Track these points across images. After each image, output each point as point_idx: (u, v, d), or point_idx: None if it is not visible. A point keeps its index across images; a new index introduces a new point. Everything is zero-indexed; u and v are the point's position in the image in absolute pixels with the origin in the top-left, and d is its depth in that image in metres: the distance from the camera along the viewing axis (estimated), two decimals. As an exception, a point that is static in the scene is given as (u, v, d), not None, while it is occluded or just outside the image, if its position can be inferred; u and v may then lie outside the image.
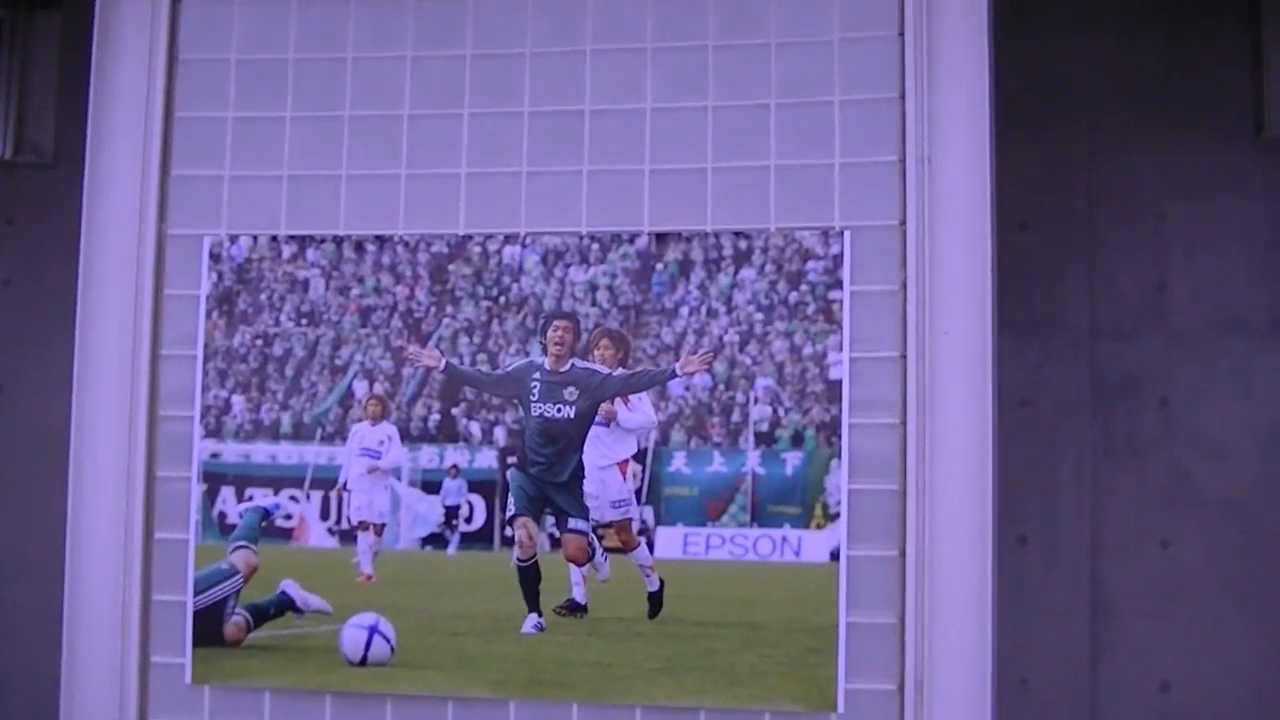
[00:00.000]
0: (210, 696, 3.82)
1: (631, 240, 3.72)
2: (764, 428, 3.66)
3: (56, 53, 5.64)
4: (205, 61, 3.96)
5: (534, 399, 3.74)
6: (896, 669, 3.57)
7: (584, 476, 3.73)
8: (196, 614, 3.83)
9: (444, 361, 3.77)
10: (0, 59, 5.67)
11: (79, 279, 3.93)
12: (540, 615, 3.73)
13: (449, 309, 3.78)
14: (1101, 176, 5.07)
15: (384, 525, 3.81)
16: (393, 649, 3.75)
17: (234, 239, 3.89)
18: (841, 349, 3.63)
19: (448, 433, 3.77)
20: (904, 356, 3.61)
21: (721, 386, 3.67)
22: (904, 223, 3.63)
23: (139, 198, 3.92)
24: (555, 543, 3.75)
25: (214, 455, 3.85)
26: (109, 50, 3.98)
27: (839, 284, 3.64)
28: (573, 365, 3.73)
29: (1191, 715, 4.93)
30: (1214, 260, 5.02)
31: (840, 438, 3.61)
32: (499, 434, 3.76)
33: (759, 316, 3.67)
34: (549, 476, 3.75)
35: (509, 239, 3.77)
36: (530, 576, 3.74)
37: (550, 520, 3.76)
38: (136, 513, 3.85)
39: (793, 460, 3.65)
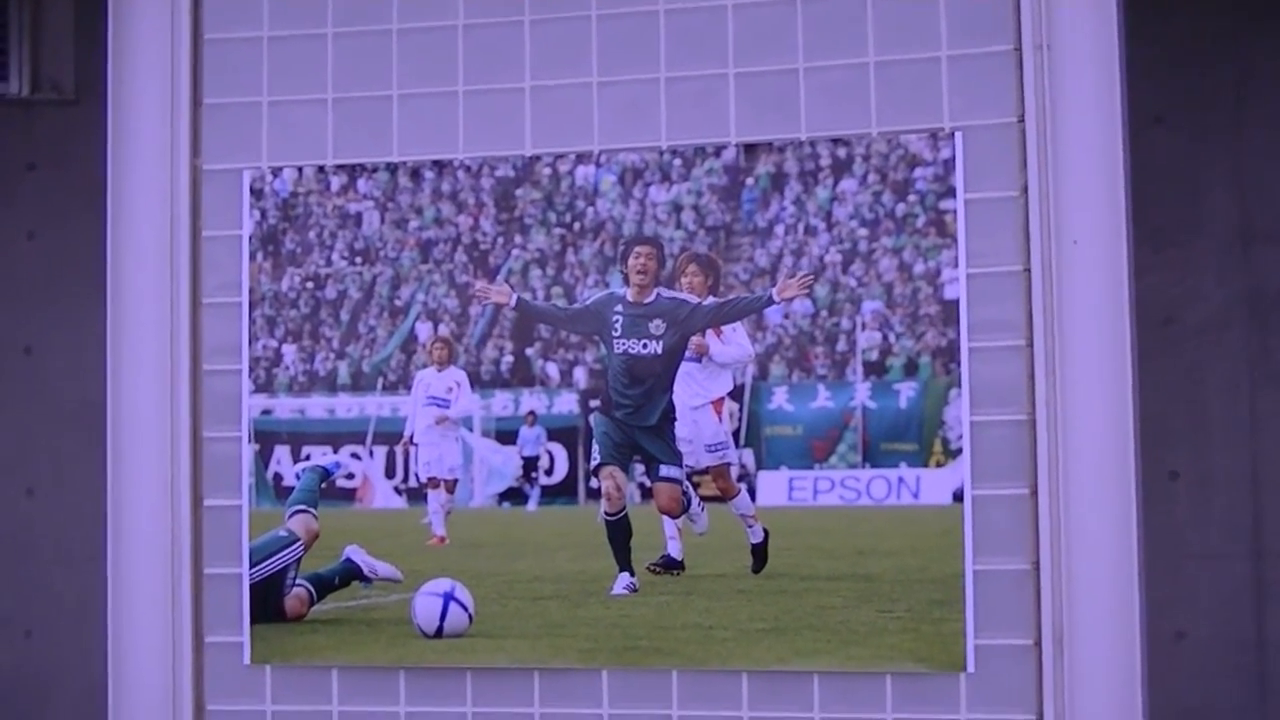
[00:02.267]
0: (271, 677, 3.88)
1: (717, 153, 3.74)
2: (873, 356, 3.68)
3: (73, -22, 5.70)
4: (236, -24, 4.00)
5: (616, 335, 3.77)
6: (1032, 622, 3.58)
7: (675, 419, 3.76)
8: (253, 587, 3.88)
9: (515, 297, 3.80)
10: (13, -10, 5.74)
11: (107, 225, 3.97)
12: (632, 574, 3.77)
13: (518, 239, 3.81)
14: (1250, 57, 5.02)
15: (456, 481, 3.86)
16: (471, 618, 3.80)
17: (276, 172, 3.93)
18: (957, 265, 3.64)
19: (522, 376, 3.80)
20: (1028, 270, 3.61)
21: (824, 312, 3.69)
22: (1022, 120, 3.63)
23: (169, 131, 3.96)
24: (646, 493, 3.78)
25: (265, 412, 3.91)
26: (129, -32, 4.03)
27: (951, 192, 3.64)
28: (658, 295, 3.76)
29: (1372, 665, 4.92)
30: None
31: (959, 364, 3.62)
32: (579, 375, 3.79)
33: (863, 232, 3.68)
34: (636, 420, 3.78)
35: (581, 158, 3.80)
36: (620, 532, 3.77)
37: (639, 469, 3.79)
38: (183, 479, 3.90)
39: (907, 391, 3.67)
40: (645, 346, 3.75)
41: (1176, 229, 5.01)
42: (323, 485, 3.89)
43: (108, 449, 3.95)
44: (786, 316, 3.69)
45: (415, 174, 3.86)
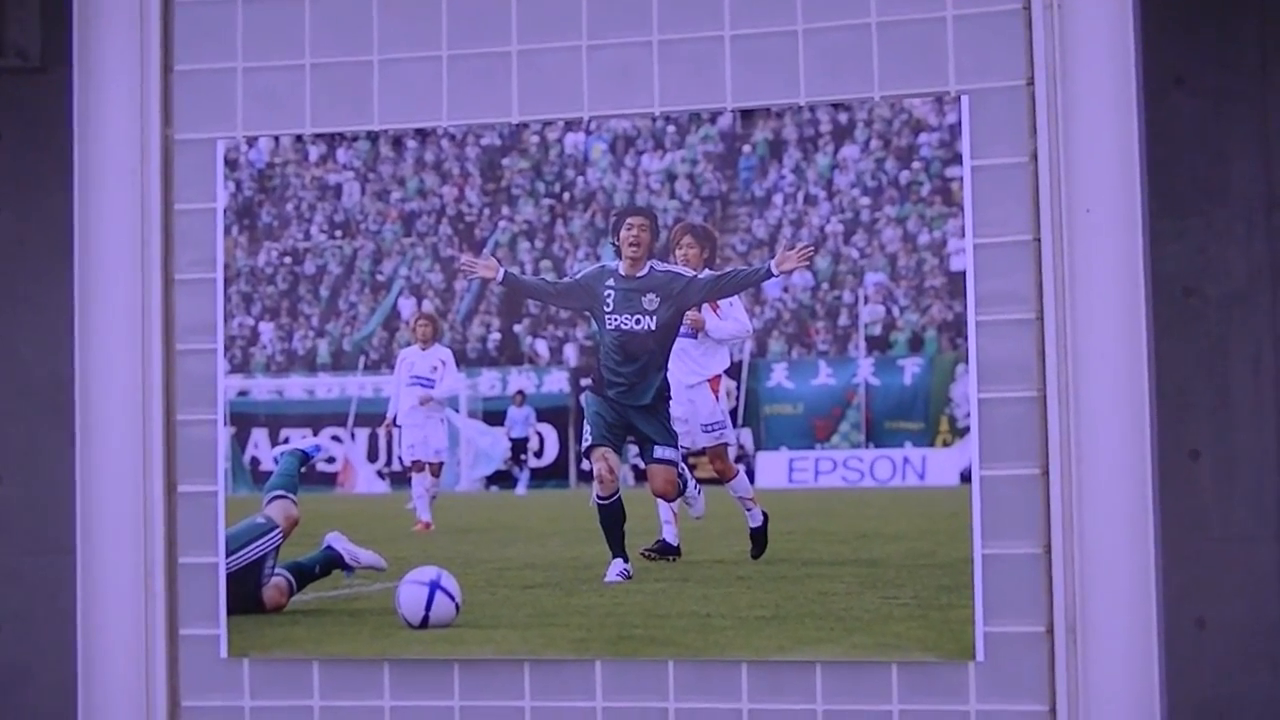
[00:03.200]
0: (249, 671, 3.90)
1: (713, 119, 3.76)
2: (877, 331, 3.69)
3: (37, -62, 5.72)
4: (207, -64, 4.01)
5: (608, 310, 3.78)
6: (1044, 609, 3.61)
7: (670, 397, 3.77)
8: (230, 576, 3.89)
9: (502, 271, 3.81)
10: (-27, -51, 5.76)
11: (75, 197, 3.98)
12: (627, 561, 3.78)
13: (505, 210, 3.82)
14: (1274, 14, 5.03)
15: (441, 464, 3.87)
16: (458, 607, 3.82)
17: (252, 141, 3.95)
18: (964, 235, 3.64)
19: (510, 354, 3.82)
20: (1038, 240, 3.63)
21: (825, 285, 3.71)
22: (1031, 82, 3.65)
23: (139, 99, 3.98)
24: (640, 475, 3.80)
25: (242, 393, 3.92)
26: (95, -71, 4.04)
27: (958, 158, 3.65)
28: (651, 269, 3.77)
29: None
30: None
31: (966, 339, 3.62)
32: (569, 353, 3.81)
33: (865, 201, 3.70)
34: (630, 399, 3.79)
35: (571, 125, 3.82)
36: (613, 516, 3.79)
37: (633, 450, 3.80)
38: (155, 464, 3.92)
39: (912, 367, 3.68)
40: (638, 322, 3.76)
41: (1198, 196, 5.01)
42: (302, 469, 3.89)
43: (76, 433, 3.96)
44: (786, 290, 3.71)
45: (397, 143, 3.88)
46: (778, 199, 3.69)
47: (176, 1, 3.99)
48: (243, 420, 3.91)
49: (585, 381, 3.77)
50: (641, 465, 3.77)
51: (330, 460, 3.86)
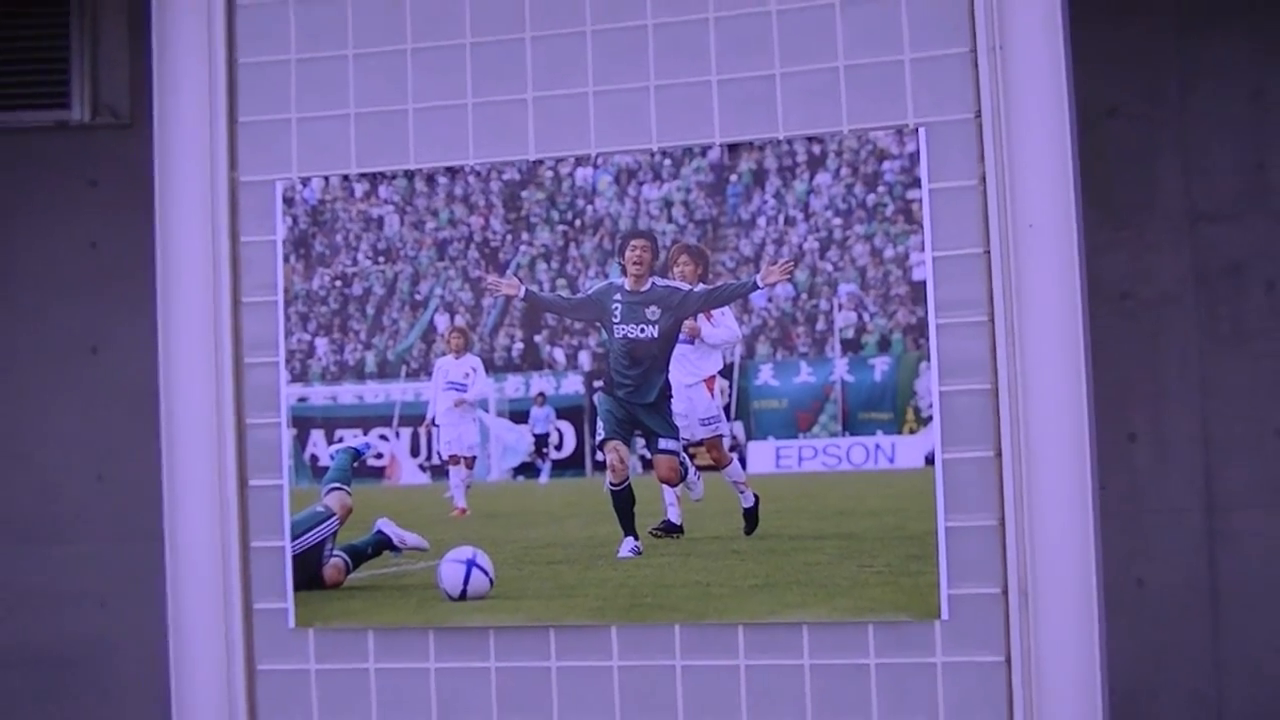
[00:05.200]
0: (314, 639, 3.88)
1: (703, 153, 3.73)
2: (850, 334, 3.66)
3: (125, 11, 5.71)
4: (263, 6, 3.98)
5: (616, 321, 3.76)
6: (999, 573, 3.56)
7: (671, 396, 3.75)
8: (295, 558, 3.88)
9: (523, 289, 3.79)
10: (73, 26, 5.75)
11: (156, 233, 3.97)
12: (636, 538, 3.76)
13: (525, 235, 3.80)
14: (1191, 54, 5.00)
15: (474, 458, 3.85)
16: (491, 581, 3.79)
17: (305, 181, 3.92)
18: (924, 249, 3.62)
19: (532, 361, 3.79)
20: (988, 253, 3.59)
21: (804, 295, 3.67)
22: (979, 115, 3.61)
23: (209, 148, 3.95)
24: (647, 464, 3.77)
25: (301, 399, 3.90)
26: (168, 3, 4.01)
27: (917, 182, 3.63)
28: (653, 284, 3.74)
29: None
30: (1315, 135, 4.96)
31: (928, 340, 3.61)
32: (583, 358, 3.78)
33: (837, 221, 3.67)
34: (636, 398, 3.77)
35: (580, 161, 3.79)
36: (624, 500, 3.77)
37: (640, 442, 3.78)
38: (229, 461, 3.90)
39: (881, 365, 3.65)
40: (643, 331, 3.74)
41: (1130, 211, 4.99)
42: (354, 464, 3.88)
43: (161, 435, 3.95)
44: (770, 300, 3.67)
45: (430, 179, 3.85)
46: (761, 221, 3.66)
47: (240, 63, 3.97)
48: (302, 423, 3.88)
49: (597, 383, 3.73)
50: (648, 455, 3.74)
51: (378, 456, 3.83)
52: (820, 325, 3.68)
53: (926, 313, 3.61)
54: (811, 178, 3.68)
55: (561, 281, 3.78)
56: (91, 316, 5.70)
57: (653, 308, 3.74)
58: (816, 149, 3.68)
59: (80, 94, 5.75)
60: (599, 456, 3.78)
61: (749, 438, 3.72)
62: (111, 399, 5.55)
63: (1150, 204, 5.02)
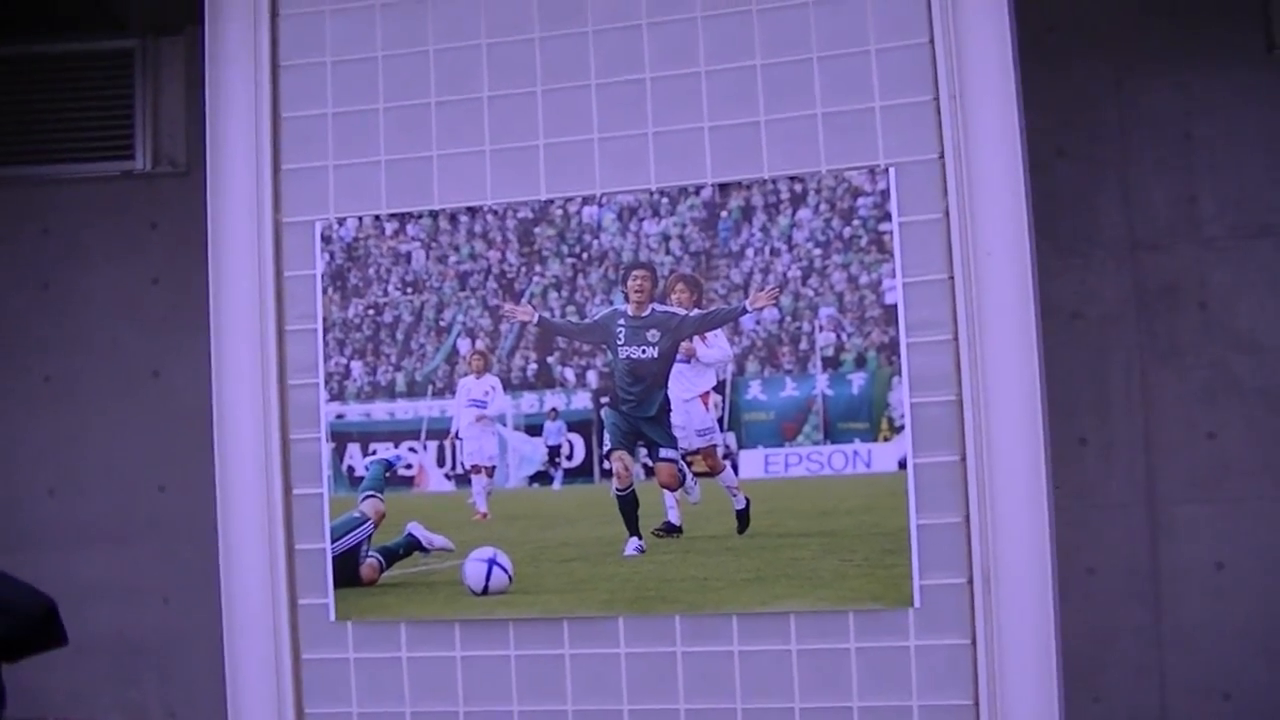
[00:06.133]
0: (353, 631, 3.84)
1: (697, 192, 3.69)
2: (830, 353, 3.62)
3: (182, 73, 5.68)
4: (304, 66, 3.95)
5: (620, 343, 3.72)
6: (965, 564, 3.53)
7: (670, 409, 3.70)
8: (335, 559, 3.85)
9: (536, 315, 3.76)
10: (135, 83, 5.73)
11: (210, 269, 3.94)
12: (640, 538, 3.71)
13: (538, 267, 3.76)
14: (1129, 102, 4.99)
15: (494, 467, 3.81)
16: (510, 578, 3.75)
17: (342, 221, 3.89)
18: (895, 275, 3.58)
19: (545, 379, 3.75)
20: (952, 279, 3.56)
21: (789, 318, 3.63)
22: (942, 156, 3.58)
23: (256, 192, 3.92)
24: (649, 471, 3.72)
25: (339, 416, 3.86)
26: (220, 64, 3.99)
27: (888, 216, 3.59)
28: (653, 310, 3.70)
29: (1245, 589, 4.87)
30: (1239, 171, 4.93)
31: (899, 357, 3.57)
32: (591, 377, 3.74)
33: (818, 252, 3.62)
34: (639, 412, 3.72)
35: (587, 200, 3.75)
36: (629, 504, 3.72)
37: (643, 451, 3.73)
38: (276, 473, 3.87)
39: (858, 380, 3.61)
40: (644, 351, 3.69)
41: (1078, 240, 4.96)
42: (387, 474, 3.84)
43: (216, 450, 3.92)
44: (758, 323, 3.63)
45: (453, 218, 3.82)
46: (749, 252, 3.63)
47: (283, 116, 3.94)
48: (340, 437, 3.85)
49: (604, 399, 3.69)
50: (650, 463, 3.69)
51: (408, 467, 3.80)
52: (803, 345, 3.63)
53: (898, 332, 3.58)
54: (794, 213, 3.64)
55: (571, 308, 3.74)
56: (154, 345, 5.66)
57: (653, 331, 3.70)
58: (798, 187, 3.64)
59: (142, 145, 5.72)
60: (606, 465, 3.74)
61: (740, 446, 3.68)
62: (171, 418, 5.51)
63: (1095, 234, 4.99)
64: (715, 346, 3.68)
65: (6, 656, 1.98)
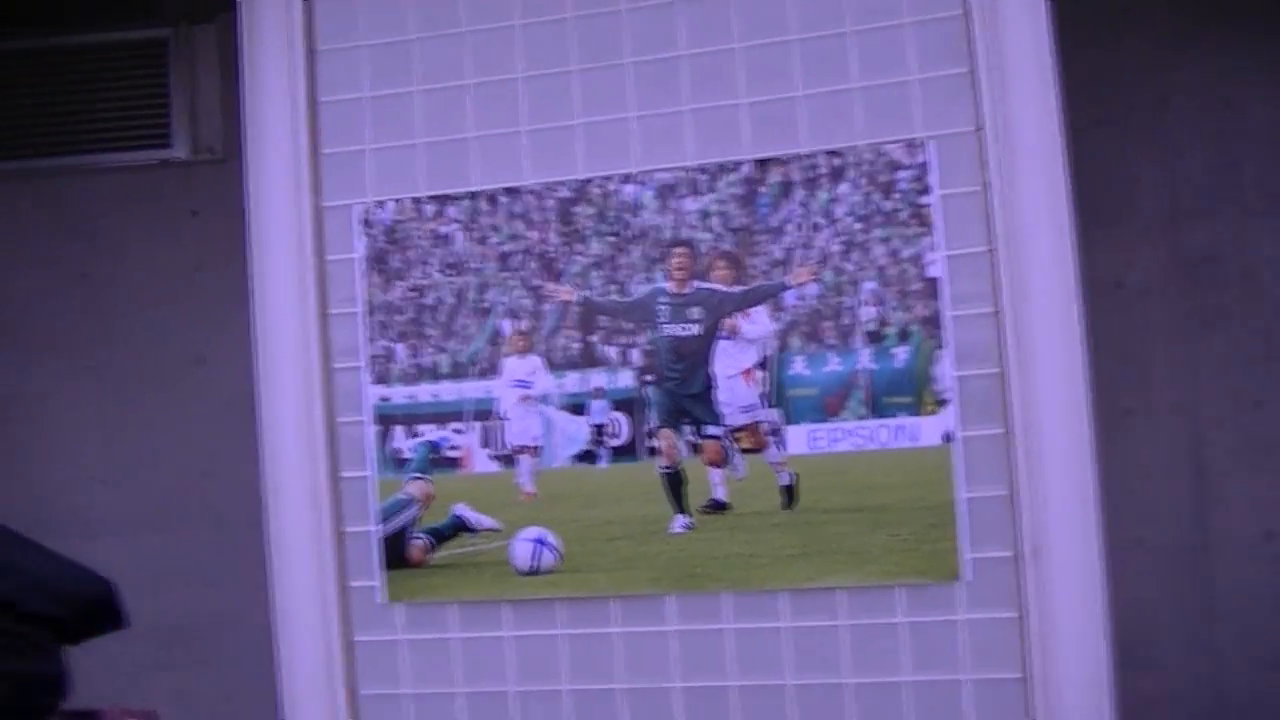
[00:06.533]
0: (402, 612, 3.87)
1: (736, 168, 3.69)
2: (872, 327, 3.62)
3: (216, 61, 5.69)
4: (339, 51, 3.96)
5: (662, 321, 3.72)
6: (1013, 537, 3.53)
7: (714, 386, 3.71)
8: (383, 541, 3.87)
9: (578, 295, 3.76)
10: (170, 71, 5.74)
11: (251, 255, 3.96)
12: (687, 515, 3.72)
13: (578, 247, 3.77)
14: (1167, 69, 4.96)
15: (539, 447, 3.82)
16: (558, 557, 3.77)
17: (381, 204, 3.90)
18: (935, 249, 3.57)
19: (588, 358, 3.76)
20: (993, 251, 3.55)
21: (830, 293, 3.63)
22: (980, 129, 3.57)
23: (295, 177, 3.93)
24: (694, 449, 3.73)
25: (384, 399, 3.88)
26: (256, 51, 4.00)
27: (927, 190, 3.58)
28: (694, 287, 3.71)
29: (1295, 558, 4.86)
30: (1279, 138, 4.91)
31: (942, 330, 3.56)
32: (634, 355, 3.74)
33: (858, 226, 3.62)
34: (683, 389, 3.73)
35: (625, 179, 3.76)
36: (675, 482, 3.73)
37: (688, 429, 3.73)
38: (321, 456, 3.88)
39: (901, 354, 3.61)
40: (686, 329, 3.70)
41: (1119, 210, 4.94)
42: (433, 456, 3.86)
43: (261, 434, 3.94)
44: (800, 298, 3.63)
45: (492, 199, 3.82)
46: (789, 228, 3.63)
47: (320, 101, 3.95)
48: (385, 420, 3.87)
49: (648, 377, 3.69)
50: (695, 441, 3.68)
51: (454, 448, 3.81)
52: (846, 320, 3.63)
53: (940, 306, 3.57)
54: (833, 188, 3.63)
55: (613, 287, 3.75)
56: (196, 332, 5.68)
57: (695, 308, 3.70)
58: (837, 162, 3.64)
59: (180, 132, 5.74)
60: (651, 443, 3.74)
61: (786, 422, 3.68)
62: (214, 404, 5.53)
63: (1135, 203, 4.96)
64: (757, 322, 3.68)
65: (68, 640, 2.01)
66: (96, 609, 2.08)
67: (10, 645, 1.91)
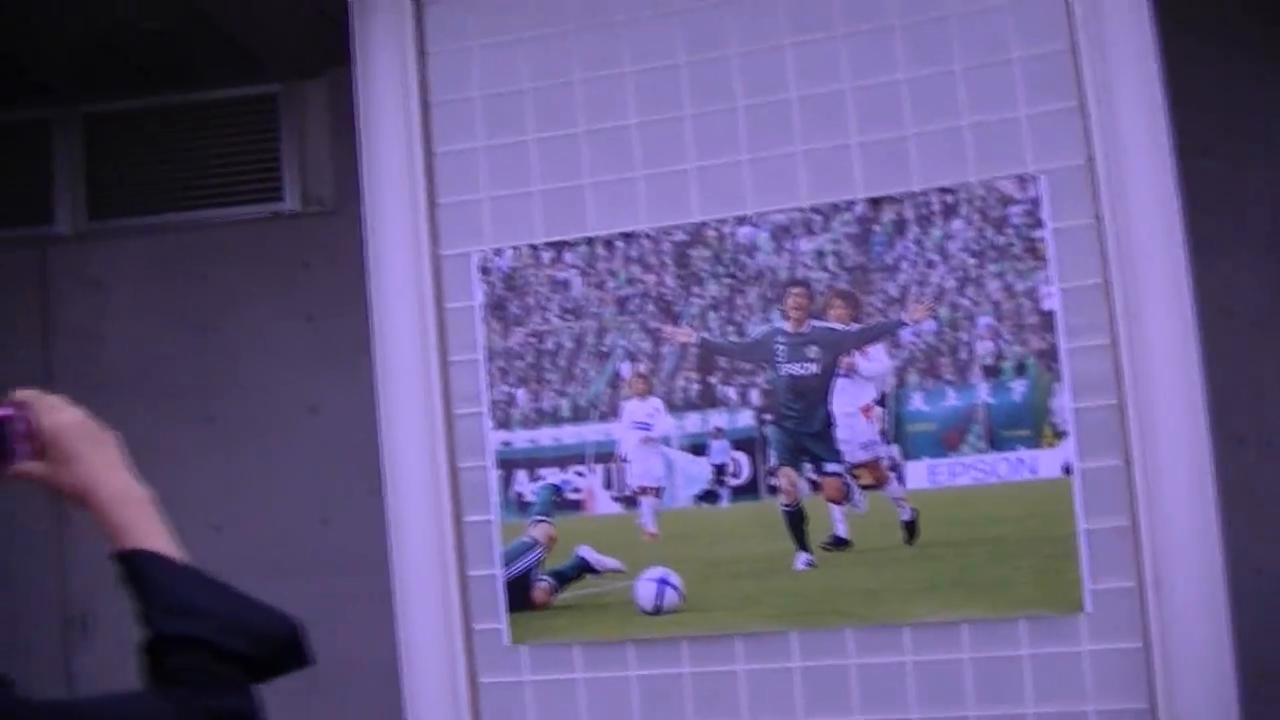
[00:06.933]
0: (528, 654, 3.90)
1: (849, 207, 3.72)
2: (989, 361, 3.64)
3: (326, 115, 5.80)
4: (454, 102, 4.03)
5: (780, 360, 3.76)
6: (1135, 567, 3.52)
7: (834, 424, 3.73)
8: (508, 583, 3.91)
9: (696, 336, 3.81)
10: (281, 126, 5.85)
11: (372, 304, 4.02)
12: (809, 552, 3.74)
13: (695, 289, 3.81)
14: (1272, 96, 4.95)
15: (661, 488, 3.85)
16: (681, 596, 3.80)
17: (499, 252, 3.96)
18: (1050, 282, 3.59)
19: (708, 399, 3.80)
20: (1107, 282, 3.56)
21: (946, 328, 3.66)
22: (1091, 161, 3.58)
23: (414, 227, 4.00)
24: (815, 486, 3.75)
25: (505, 443, 3.93)
26: (372, 104, 4.07)
27: (1040, 223, 3.61)
28: (811, 326, 3.74)
29: None
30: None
31: (1059, 362, 3.58)
32: (753, 395, 3.78)
33: (972, 261, 3.65)
34: (802, 428, 3.76)
35: (740, 220, 3.80)
36: (796, 519, 3.76)
37: (808, 467, 3.76)
38: (445, 501, 3.93)
39: (1019, 388, 3.62)
40: (804, 368, 3.73)
41: (1227, 240, 4.93)
42: (555, 499, 3.90)
43: (385, 481, 3.99)
44: (916, 335, 3.66)
45: (609, 244, 3.88)
46: (904, 265, 3.66)
47: (436, 152, 4.02)
48: (507, 464, 3.92)
49: (767, 417, 3.73)
50: (815, 478, 3.71)
51: (576, 490, 3.86)
52: (962, 354, 3.66)
53: (1056, 339, 3.59)
54: (946, 224, 3.66)
55: (730, 328, 3.79)
56: (310, 382, 5.77)
57: (812, 347, 3.73)
58: (949, 198, 3.67)
59: (290, 186, 5.84)
60: (772, 481, 3.77)
61: (905, 458, 3.70)
62: (330, 453, 5.62)
63: (1242, 230, 4.96)
64: (875, 359, 3.71)
65: (256, 678, 2.07)
66: (286, 648, 2.14)
67: (211, 685, 1.98)
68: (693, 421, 3.82)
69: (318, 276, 5.83)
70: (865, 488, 3.73)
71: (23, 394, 2.22)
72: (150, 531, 2.17)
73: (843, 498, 3.74)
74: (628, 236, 3.86)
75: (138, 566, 2.12)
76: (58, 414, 2.22)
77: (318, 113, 5.85)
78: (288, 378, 5.78)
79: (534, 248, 3.93)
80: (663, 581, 3.80)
